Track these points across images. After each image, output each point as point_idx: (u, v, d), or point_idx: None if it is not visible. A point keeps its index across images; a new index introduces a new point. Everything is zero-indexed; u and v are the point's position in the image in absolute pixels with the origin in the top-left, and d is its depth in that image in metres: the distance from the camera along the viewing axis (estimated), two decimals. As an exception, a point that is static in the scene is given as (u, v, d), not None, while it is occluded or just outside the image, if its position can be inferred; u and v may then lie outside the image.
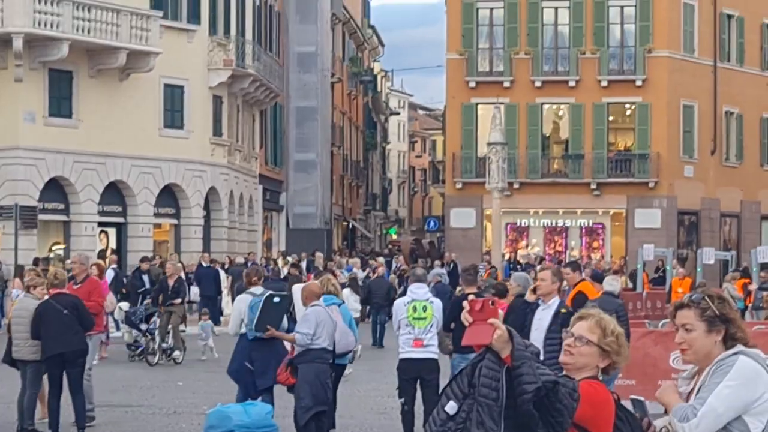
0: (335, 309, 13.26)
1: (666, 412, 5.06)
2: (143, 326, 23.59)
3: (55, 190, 36.73)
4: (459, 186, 49.37)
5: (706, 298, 5.07)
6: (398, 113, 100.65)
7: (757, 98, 51.20)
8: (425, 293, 13.69)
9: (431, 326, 13.34)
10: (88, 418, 14.79)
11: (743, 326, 5.11)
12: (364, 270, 37.09)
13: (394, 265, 42.52)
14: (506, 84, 48.34)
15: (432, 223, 75.16)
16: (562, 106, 49.46)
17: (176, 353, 23.65)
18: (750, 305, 29.61)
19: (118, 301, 25.76)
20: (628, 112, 49.48)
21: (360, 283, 31.82)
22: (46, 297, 14.07)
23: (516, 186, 47.30)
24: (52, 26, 35.03)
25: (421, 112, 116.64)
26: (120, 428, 15.58)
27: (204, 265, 35.18)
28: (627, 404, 5.16)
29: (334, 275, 22.79)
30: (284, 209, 53.83)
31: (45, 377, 14.31)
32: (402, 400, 13.65)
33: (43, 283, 14.38)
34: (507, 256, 44.69)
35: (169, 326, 23.65)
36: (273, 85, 46.87)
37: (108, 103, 37.35)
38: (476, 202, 48.32)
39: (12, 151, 35.50)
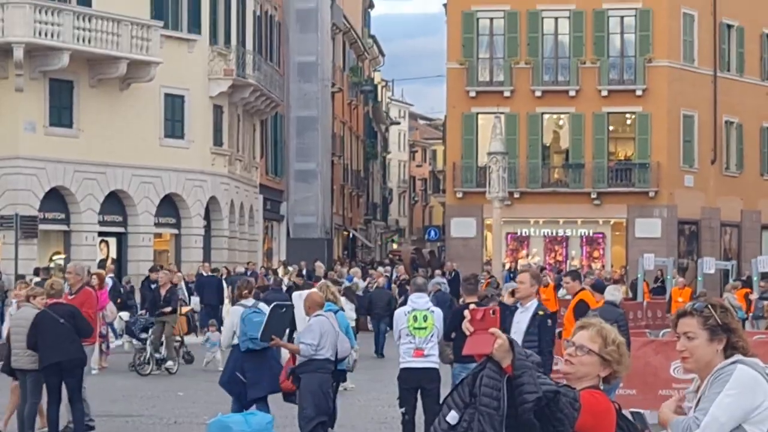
0: (331, 315, 13.30)
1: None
2: (144, 336, 23.59)
3: (56, 199, 36.72)
4: (459, 195, 49.36)
5: (709, 306, 5.08)
6: (399, 123, 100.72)
7: (757, 108, 51.22)
8: (426, 303, 13.70)
9: (432, 336, 13.34)
10: (86, 427, 14.77)
11: (744, 336, 5.12)
12: (364, 280, 37.09)
13: (394, 275, 42.48)
14: (506, 94, 48.36)
15: (432, 233, 75.15)
16: (563, 116, 49.47)
17: (169, 363, 23.62)
18: (751, 315, 29.62)
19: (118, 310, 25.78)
20: (629, 122, 49.49)
21: (360, 293, 31.81)
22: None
23: (516, 195, 47.29)
24: (52, 36, 35.06)
25: (421, 121, 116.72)
26: (120, 438, 15.56)
27: (205, 274, 35.18)
28: (628, 414, 5.16)
29: (337, 284, 22.78)
30: (285, 219, 53.83)
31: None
32: (403, 409, 13.64)
33: (42, 293, 14.41)
34: (507, 266, 44.65)
35: (162, 336, 23.66)
36: (273, 95, 46.90)
37: (108, 112, 37.36)
38: (477, 211, 48.31)
39: (12, 160, 35.51)
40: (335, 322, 13.27)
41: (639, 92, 47.88)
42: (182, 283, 32.57)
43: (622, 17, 48.47)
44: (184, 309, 30.37)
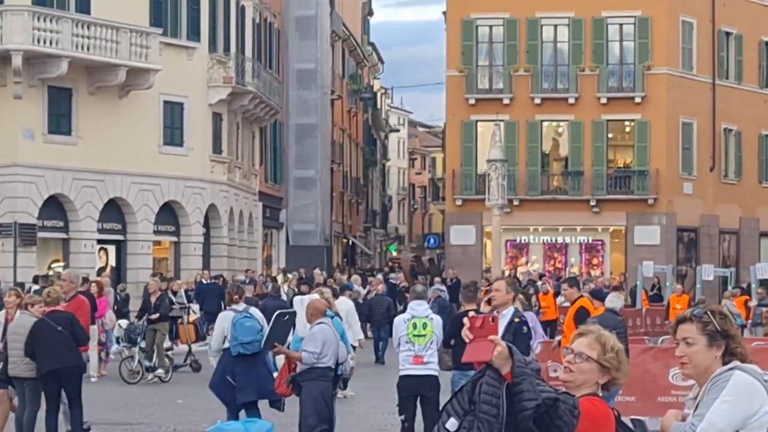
0: (331, 323, 13.30)
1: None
2: (143, 343, 23.61)
3: (55, 207, 36.71)
4: (459, 203, 49.38)
5: (708, 312, 5.09)
6: (398, 130, 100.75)
7: (756, 115, 51.27)
8: (425, 310, 13.70)
9: (431, 343, 13.33)
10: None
11: (743, 342, 5.13)
12: (364, 287, 37.09)
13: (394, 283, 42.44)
14: (506, 101, 48.40)
15: (432, 240, 75.19)
16: (562, 123, 49.51)
17: (160, 371, 23.61)
18: (749, 322, 29.64)
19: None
20: (628, 129, 49.53)
21: (360, 300, 31.79)
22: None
23: (516, 203, 47.30)
24: (51, 43, 35.07)
25: (420, 129, 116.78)
26: (119, 446, 15.55)
27: (204, 282, 35.16)
28: (627, 421, 5.16)
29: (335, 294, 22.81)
30: (284, 226, 53.82)
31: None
32: (402, 417, 13.63)
33: (41, 301, 14.42)
34: (507, 273, 44.65)
35: (154, 344, 23.69)
36: (273, 102, 46.92)
37: (107, 120, 37.36)
38: (476, 219, 48.31)
39: (11, 168, 35.49)
40: (335, 329, 13.29)
41: (638, 100, 47.93)
42: (182, 291, 32.61)
43: (621, 25, 48.52)
44: (192, 317, 30.41)
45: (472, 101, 48.91)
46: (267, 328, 14.06)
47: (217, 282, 35.08)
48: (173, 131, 40.25)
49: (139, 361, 23.44)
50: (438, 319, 13.65)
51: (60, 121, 36.66)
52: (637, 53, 48.15)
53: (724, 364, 5.01)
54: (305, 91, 55.60)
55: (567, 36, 48.76)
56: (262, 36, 47.66)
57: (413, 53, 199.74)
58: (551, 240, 49.81)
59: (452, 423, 4.66)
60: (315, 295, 15.67)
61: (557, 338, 19.42)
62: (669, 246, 48.10)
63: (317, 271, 40.95)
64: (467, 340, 4.62)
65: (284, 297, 31.31)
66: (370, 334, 30.68)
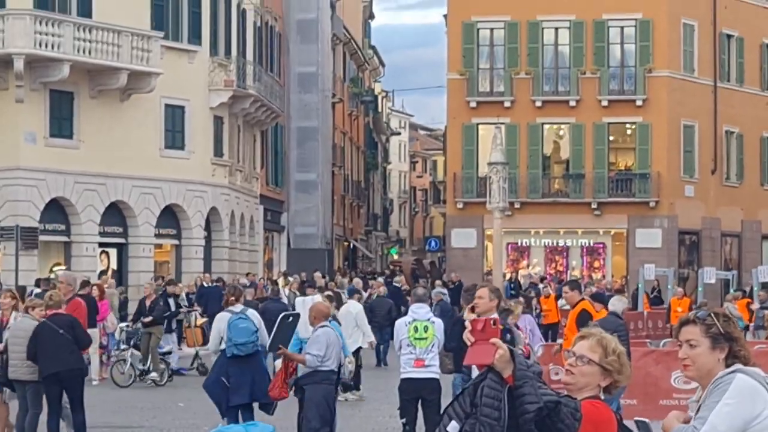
0: (334, 326, 13.31)
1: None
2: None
3: (56, 210, 36.71)
4: (460, 206, 49.36)
5: (712, 315, 5.09)
6: (399, 133, 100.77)
7: (757, 118, 51.25)
8: (426, 313, 13.69)
9: (432, 346, 13.33)
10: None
11: (746, 346, 5.12)
12: (365, 290, 37.04)
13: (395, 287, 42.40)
14: (507, 104, 48.39)
15: (433, 243, 75.14)
16: (563, 126, 49.49)
17: (153, 375, 23.59)
18: (752, 325, 29.60)
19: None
20: (629, 132, 49.51)
21: (362, 303, 31.72)
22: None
23: (517, 206, 47.26)
24: (53, 47, 35.08)
25: (421, 132, 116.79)
26: (121, 449, 15.54)
27: (205, 285, 35.16)
28: (630, 424, 5.15)
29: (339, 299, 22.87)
30: (285, 229, 53.82)
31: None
32: (403, 420, 13.63)
33: (41, 304, 14.42)
34: (508, 276, 44.65)
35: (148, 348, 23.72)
36: (274, 106, 46.92)
37: (109, 123, 37.37)
38: (477, 222, 48.30)
39: (13, 171, 35.50)
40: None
41: (639, 102, 47.91)
42: (183, 294, 32.58)
43: (622, 27, 48.51)
44: (199, 321, 30.39)
45: (473, 104, 48.90)
46: (263, 330, 14.10)
47: (219, 285, 35.06)
48: (174, 134, 40.26)
49: (131, 365, 23.44)
50: (439, 322, 13.65)
51: (61, 124, 36.67)
52: (638, 56, 48.13)
53: (727, 366, 5.00)
54: (306, 95, 55.63)
55: (568, 39, 48.75)
56: (263, 39, 47.67)
57: (414, 56, 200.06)
58: (552, 243, 49.78)
59: (454, 426, 4.66)
60: (317, 297, 15.68)
61: (559, 341, 19.42)
62: (671, 249, 48.08)
63: (318, 274, 40.93)
64: (469, 344, 4.62)
65: (285, 300, 31.31)
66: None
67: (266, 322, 14.70)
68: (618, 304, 15.87)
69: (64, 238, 37.18)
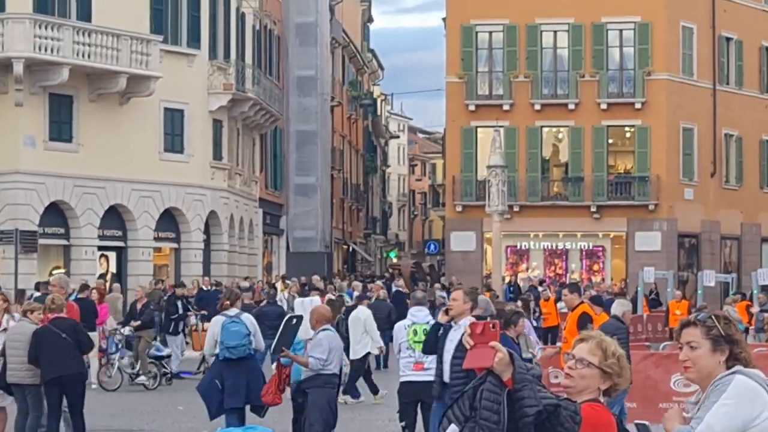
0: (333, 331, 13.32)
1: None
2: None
3: (56, 214, 36.72)
4: (459, 209, 49.36)
5: (713, 317, 5.09)
6: (398, 137, 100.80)
7: (756, 121, 51.26)
8: (425, 316, 13.71)
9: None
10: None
11: (747, 348, 5.12)
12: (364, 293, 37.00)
13: (394, 289, 42.40)
14: (506, 107, 48.40)
15: (432, 247, 75.20)
16: (562, 129, 49.50)
17: (142, 378, 23.58)
18: (752, 327, 29.58)
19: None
20: (628, 135, 49.51)
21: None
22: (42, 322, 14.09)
23: (516, 209, 47.26)
24: (52, 51, 35.09)
25: (420, 135, 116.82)
26: (120, 453, 15.53)
27: (205, 288, 35.16)
28: (630, 427, 5.15)
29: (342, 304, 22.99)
30: (284, 233, 53.82)
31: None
32: (403, 423, 13.64)
33: (40, 308, 14.41)
34: (507, 279, 44.66)
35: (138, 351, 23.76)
36: (273, 109, 46.93)
37: (108, 127, 37.39)
38: (476, 225, 48.29)
39: (12, 175, 35.51)
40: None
41: (638, 105, 47.91)
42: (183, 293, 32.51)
43: (621, 30, 48.52)
44: (206, 324, 30.31)
45: (472, 107, 48.91)
46: (258, 334, 14.11)
47: (218, 289, 35.07)
48: (174, 138, 40.27)
49: (119, 369, 23.44)
50: (439, 325, 13.63)
51: (61, 128, 36.68)
52: (637, 59, 48.13)
53: (728, 368, 4.99)
54: (305, 98, 55.65)
55: (567, 42, 48.75)
56: (262, 43, 47.69)
57: (413, 60, 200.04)
58: (552, 246, 49.77)
59: (453, 429, 4.66)
60: (316, 299, 15.69)
61: (558, 344, 19.40)
62: (670, 252, 48.07)
63: (316, 277, 40.93)
64: (468, 347, 4.62)
65: (283, 304, 31.31)
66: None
67: (262, 326, 14.70)
68: (620, 307, 15.87)
69: (63, 242, 37.19)
